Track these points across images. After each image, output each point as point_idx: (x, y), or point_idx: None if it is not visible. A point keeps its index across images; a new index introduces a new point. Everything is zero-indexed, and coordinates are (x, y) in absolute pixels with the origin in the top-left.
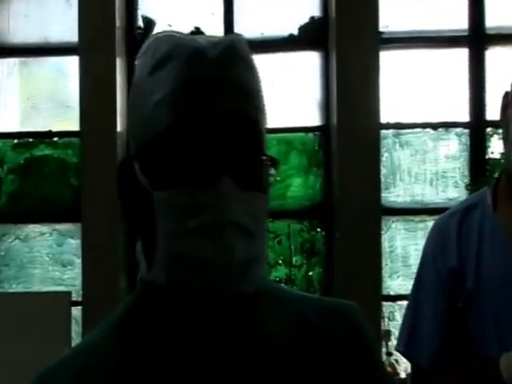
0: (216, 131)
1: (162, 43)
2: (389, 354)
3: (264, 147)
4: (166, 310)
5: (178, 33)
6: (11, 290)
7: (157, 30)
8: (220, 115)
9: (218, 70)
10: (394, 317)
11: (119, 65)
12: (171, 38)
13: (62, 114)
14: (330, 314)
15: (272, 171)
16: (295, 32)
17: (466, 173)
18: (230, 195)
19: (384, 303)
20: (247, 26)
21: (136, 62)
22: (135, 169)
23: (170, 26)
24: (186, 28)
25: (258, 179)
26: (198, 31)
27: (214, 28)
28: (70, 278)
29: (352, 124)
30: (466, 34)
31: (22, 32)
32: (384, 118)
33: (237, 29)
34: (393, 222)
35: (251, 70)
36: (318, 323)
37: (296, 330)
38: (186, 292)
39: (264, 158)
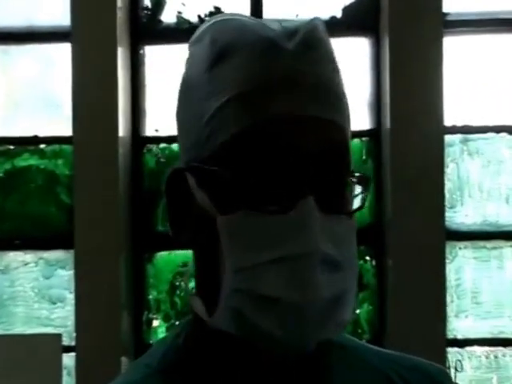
0: (296, 142)
1: (223, 30)
2: None
3: (350, 162)
4: (216, 361)
5: (241, 16)
6: None
7: (167, 10)
8: (300, 123)
9: (299, 66)
10: (463, 367)
11: (121, 54)
12: (235, 23)
13: (51, 114)
14: (416, 378)
15: (360, 190)
16: (338, 14)
17: None
18: (314, 219)
19: (449, 349)
20: (279, 7)
21: (188, 51)
22: (189, 185)
23: (183, 4)
24: (203, 8)
25: (345, 200)
26: (217, 12)
27: (238, 8)
28: (60, 317)
29: (409, 128)
30: None
31: (3, 14)
32: (449, 120)
33: (266, 10)
34: (460, 248)
35: (336, 65)
36: None
37: None
38: (257, 340)
39: (354, 174)
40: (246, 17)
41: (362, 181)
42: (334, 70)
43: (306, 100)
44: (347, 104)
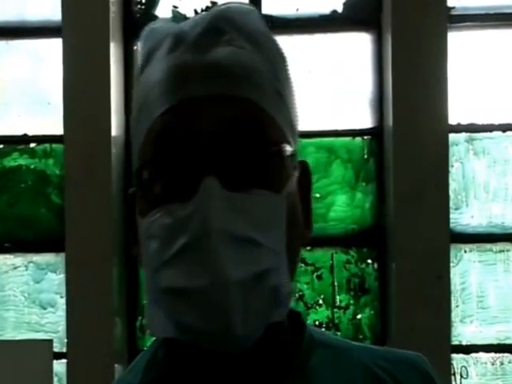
0: (190, 125)
1: (146, 38)
2: None
3: (273, 136)
4: (186, 367)
5: (166, 21)
6: None
7: (162, 4)
8: (201, 104)
9: (197, 51)
10: (468, 373)
11: (114, 50)
12: (154, 29)
13: (41, 112)
14: (401, 369)
15: (290, 164)
16: (339, 8)
17: None
18: (214, 199)
19: (454, 355)
20: (279, 1)
21: None
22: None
23: None
24: (199, 2)
25: (263, 175)
26: (214, 7)
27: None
28: (50, 322)
29: (412, 126)
30: None
31: None
32: (454, 118)
33: (266, 4)
34: (465, 251)
35: (255, 45)
36: (387, 380)
37: None
38: (194, 340)
39: (271, 148)
40: (168, 21)
41: (276, 152)
42: (243, 47)
43: (201, 81)
44: (268, 80)
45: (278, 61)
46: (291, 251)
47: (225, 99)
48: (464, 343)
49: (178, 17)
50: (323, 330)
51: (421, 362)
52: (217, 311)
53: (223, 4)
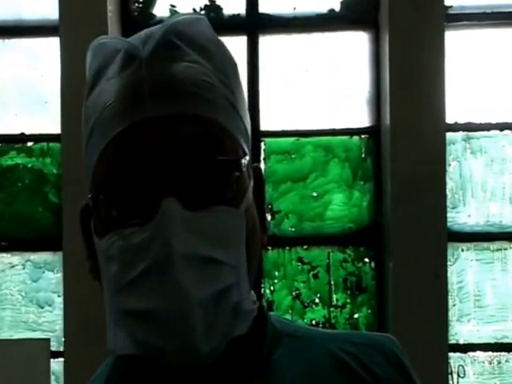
0: (150, 146)
1: (95, 55)
2: None
3: (230, 150)
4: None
5: (114, 37)
6: None
7: (160, 3)
8: (157, 125)
9: (151, 69)
10: (465, 372)
11: None
12: (103, 45)
13: (38, 111)
14: (369, 354)
15: (247, 174)
16: (336, 7)
17: None
18: (174, 221)
19: (451, 354)
20: (276, 0)
21: None
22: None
23: None
24: (197, 1)
25: (221, 191)
26: (212, 5)
27: (234, 2)
28: (48, 321)
29: (410, 125)
30: None
31: None
32: (451, 117)
33: (263, 3)
34: (462, 250)
35: (206, 56)
36: (353, 364)
37: (327, 375)
38: (157, 358)
39: (224, 163)
40: (115, 37)
41: (233, 165)
42: (196, 62)
43: (156, 101)
44: (222, 93)
45: (229, 69)
46: (251, 260)
47: (179, 118)
48: (461, 342)
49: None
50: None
51: (387, 343)
52: (181, 332)
53: (172, 17)
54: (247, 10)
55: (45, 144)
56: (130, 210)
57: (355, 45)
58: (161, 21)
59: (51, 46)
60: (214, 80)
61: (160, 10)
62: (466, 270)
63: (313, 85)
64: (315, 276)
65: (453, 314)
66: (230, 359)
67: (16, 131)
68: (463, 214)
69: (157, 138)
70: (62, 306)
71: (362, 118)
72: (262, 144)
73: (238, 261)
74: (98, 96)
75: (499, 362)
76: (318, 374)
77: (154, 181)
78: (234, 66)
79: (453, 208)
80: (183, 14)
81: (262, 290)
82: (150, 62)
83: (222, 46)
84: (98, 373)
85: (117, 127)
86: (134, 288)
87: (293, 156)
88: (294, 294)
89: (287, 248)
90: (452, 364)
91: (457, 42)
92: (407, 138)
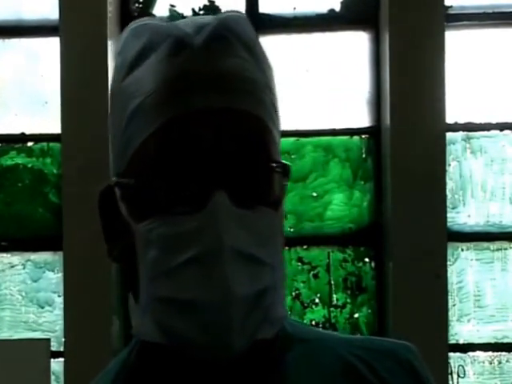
0: (200, 138)
1: (138, 36)
2: None
3: (273, 151)
4: (164, 375)
5: (158, 19)
6: None
7: (160, 3)
8: (207, 117)
9: (205, 60)
10: (465, 372)
11: (112, 49)
12: (148, 27)
13: (38, 111)
14: (380, 360)
15: (284, 181)
16: (337, 7)
17: None
18: (225, 215)
19: (451, 354)
20: (276, 0)
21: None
22: (117, 198)
23: None
24: (197, 1)
25: (265, 192)
26: (211, 5)
27: (234, 2)
28: (48, 321)
29: (410, 125)
30: None
31: None
32: (451, 117)
33: (263, 3)
34: (462, 250)
35: (252, 55)
36: (364, 371)
37: (335, 379)
38: (185, 349)
39: (273, 164)
40: (162, 20)
41: (284, 169)
42: (248, 58)
43: (213, 91)
44: (268, 92)
45: (269, 71)
46: (282, 264)
47: (232, 113)
48: (461, 342)
49: (175, 16)
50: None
51: (404, 351)
52: (220, 326)
53: (223, 13)
54: (247, 9)
55: (45, 144)
56: (178, 197)
57: (355, 45)
58: None
59: (51, 45)
60: (262, 80)
61: (160, 9)
62: (466, 269)
63: (313, 85)
64: (315, 276)
65: (453, 313)
66: (245, 359)
67: (16, 131)
68: (463, 214)
69: (210, 129)
70: (62, 305)
71: (362, 118)
72: None
73: (276, 263)
74: (141, 78)
75: (499, 362)
76: (327, 378)
77: (206, 172)
78: (271, 67)
79: (453, 208)
80: (228, 12)
81: None
82: (203, 53)
83: (262, 47)
84: (108, 368)
85: (168, 113)
86: (176, 276)
87: (293, 156)
88: (293, 294)
89: (287, 248)
90: (452, 364)
91: (457, 42)
92: (407, 137)
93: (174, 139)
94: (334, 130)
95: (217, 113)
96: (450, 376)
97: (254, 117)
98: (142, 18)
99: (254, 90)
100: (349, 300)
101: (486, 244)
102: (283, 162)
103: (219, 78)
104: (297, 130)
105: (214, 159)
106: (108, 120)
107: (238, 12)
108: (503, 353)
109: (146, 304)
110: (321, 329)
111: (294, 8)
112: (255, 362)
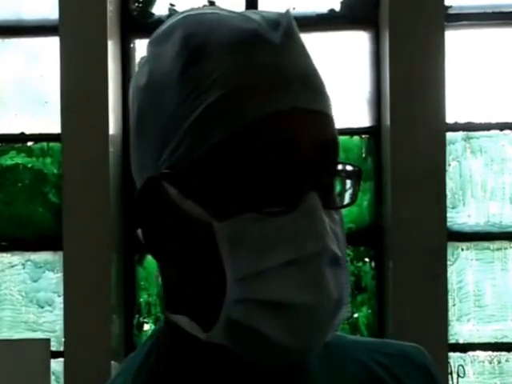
0: (294, 138)
1: (198, 25)
2: None
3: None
4: (196, 375)
5: (214, 9)
6: None
7: (159, 2)
8: (304, 117)
9: (288, 59)
10: (465, 372)
11: (111, 48)
12: (210, 17)
13: (38, 111)
14: (400, 365)
15: (351, 183)
16: (337, 7)
17: None
18: (320, 216)
19: (451, 354)
20: (275, 0)
21: (150, 51)
22: (169, 194)
23: None
24: (197, 1)
25: (341, 194)
26: (211, 5)
27: (234, 2)
28: (48, 321)
29: (410, 125)
30: None
31: None
32: (451, 116)
33: (262, 3)
34: (462, 249)
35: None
36: (384, 376)
37: None
38: (261, 353)
39: (348, 167)
40: (221, 10)
41: (353, 173)
42: (313, 60)
43: (299, 94)
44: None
45: None
46: None
47: (323, 116)
48: (461, 342)
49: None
50: None
51: (418, 354)
52: (311, 330)
53: (281, 11)
54: (246, 9)
55: (45, 144)
56: (269, 196)
57: (355, 44)
58: (160, 20)
59: (51, 45)
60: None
61: (160, 9)
62: (466, 269)
63: None
64: None
65: (453, 313)
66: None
67: (16, 131)
68: (463, 214)
69: (306, 130)
70: (61, 305)
71: (362, 118)
72: None
73: (347, 266)
74: (213, 71)
75: (499, 362)
76: (348, 383)
77: (299, 173)
78: None
79: (453, 208)
80: (287, 10)
81: None
82: (285, 50)
83: None
84: (123, 369)
85: (263, 109)
86: (273, 278)
87: None
88: None
89: None
90: (452, 364)
91: (457, 42)
92: (407, 138)
93: (270, 137)
94: None
95: (311, 113)
96: (449, 376)
97: (331, 119)
98: (198, 7)
99: (327, 93)
100: (349, 300)
101: (486, 244)
102: (354, 165)
103: (306, 77)
104: None
105: (308, 161)
106: (139, 114)
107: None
108: (503, 352)
109: (228, 306)
110: None
111: (294, 8)
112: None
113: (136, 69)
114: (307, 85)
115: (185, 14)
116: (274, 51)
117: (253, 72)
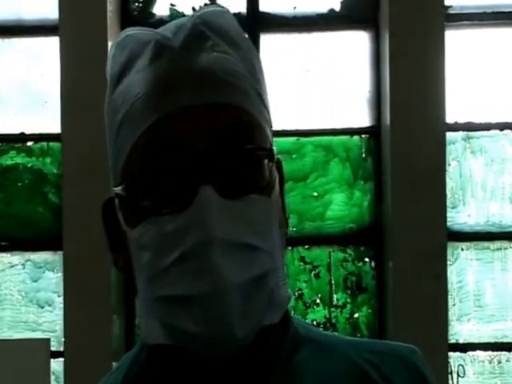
0: (181, 136)
1: (122, 48)
2: None
3: (258, 138)
4: (173, 373)
5: (141, 29)
6: None
7: (160, 2)
8: (185, 115)
9: (184, 59)
10: (465, 372)
11: (111, 48)
12: (131, 38)
13: (38, 111)
14: (388, 363)
15: (272, 165)
16: (337, 7)
17: None
18: (212, 208)
19: (451, 354)
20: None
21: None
22: (116, 209)
23: None
24: (198, 1)
25: (253, 180)
26: (212, 4)
27: (234, 1)
28: (48, 321)
29: (410, 125)
30: None
31: None
32: (451, 116)
33: (263, 2)
34: (462, 249)
35: (233, 47)
36: (372, 373)
37: (345, 382)
38: (190, 345)
39: (258, 151)
40: (144, 29)
41: (267, 155)
42: (226, 52)
43: (187, 93)
44: (251, 82)
45: (254, 61)
46: (282, 251)
47: (215, 107)
48: (461, 342)
49: (175, 15)
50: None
51: (410, 354)
52: (217, 316)
53: (199, 9)
54: (248, 9)
55: (45, 144)
56: (166, 198)
57: (355, 44)
58: (161, 20)
59: (51, 45)
60: (245, 71)
61: (160, 9)
62: (466, 269)
63: (313, 84)
64: (316, 276)
65: (453, 313)
66: (256, 355)
67: (16, 131)
68: (463, 214)
69: (192, 126)
70: (61, 305)
71: (362, 118)
72: None
73: (273, 248)
74: (127, 88)
75: (499, 362)
76: (336, 380)
77: (190, 169)
78: (258, 56)
79: (453, 208)
80: (210, 5)
81: None
82: (182, 52)
83: (247, 38)
84: (119, 365)
85: (152, 116)
86: (170, 274)
87: (293, 156)
88: (296, 294)
89: (289, 248)
90: (452, 364)
91: (457, 42)
92: (407, 137)
93: (161, 140)
94: (335, 129)
95: (200, 108)
96: (449, 375)
97: (234, 107)
98: (128, 28)
99: (235, 81)
100: (349, 300)
101: (486, 244)
102: (269, 147)
103: (199, 74)
104: (297, 130)
105: (198, 156)
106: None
107: (217, 5)
108: (503, 352)
109: (147, 307)
110: (324, 331)
111: (295, 7)
112: (259, 357)
113: None
114: (200, 81)
115: (116, 41)
116: (171, 57)
117: (149, 82)
